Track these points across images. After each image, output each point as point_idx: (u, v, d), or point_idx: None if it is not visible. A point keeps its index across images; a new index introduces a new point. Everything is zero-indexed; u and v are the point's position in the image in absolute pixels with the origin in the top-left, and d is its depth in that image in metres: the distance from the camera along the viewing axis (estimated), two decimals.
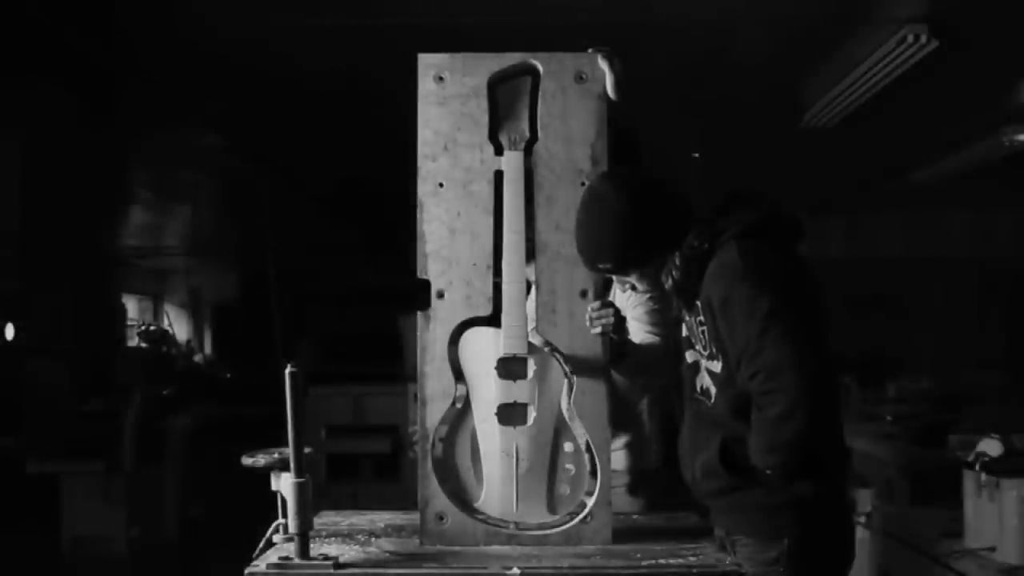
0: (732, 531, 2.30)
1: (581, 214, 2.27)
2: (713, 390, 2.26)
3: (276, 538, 2.20)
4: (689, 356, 2.39)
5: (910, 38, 4.34)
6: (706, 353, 2.26)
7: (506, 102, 2.31)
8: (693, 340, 2.34)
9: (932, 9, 4.24)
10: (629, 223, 2.22)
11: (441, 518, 2.24)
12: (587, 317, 2.27)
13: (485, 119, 2.29)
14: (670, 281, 2.26)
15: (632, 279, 2.41)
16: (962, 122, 6.17)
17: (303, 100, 5.55)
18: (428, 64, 2.31)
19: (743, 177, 2.38)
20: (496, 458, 2.27)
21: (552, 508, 2.28)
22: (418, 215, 2.29)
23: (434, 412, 2.27)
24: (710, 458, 2.24)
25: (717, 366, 2.23)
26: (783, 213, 2.28)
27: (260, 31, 4.37)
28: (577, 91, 2.29)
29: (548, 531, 2.25)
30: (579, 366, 2.27)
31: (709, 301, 2.19)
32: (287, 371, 1.99)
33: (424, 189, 2.29)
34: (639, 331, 2.65)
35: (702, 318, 2.24)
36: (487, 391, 2.27)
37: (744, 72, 5.18)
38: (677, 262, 2.25)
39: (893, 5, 4.25)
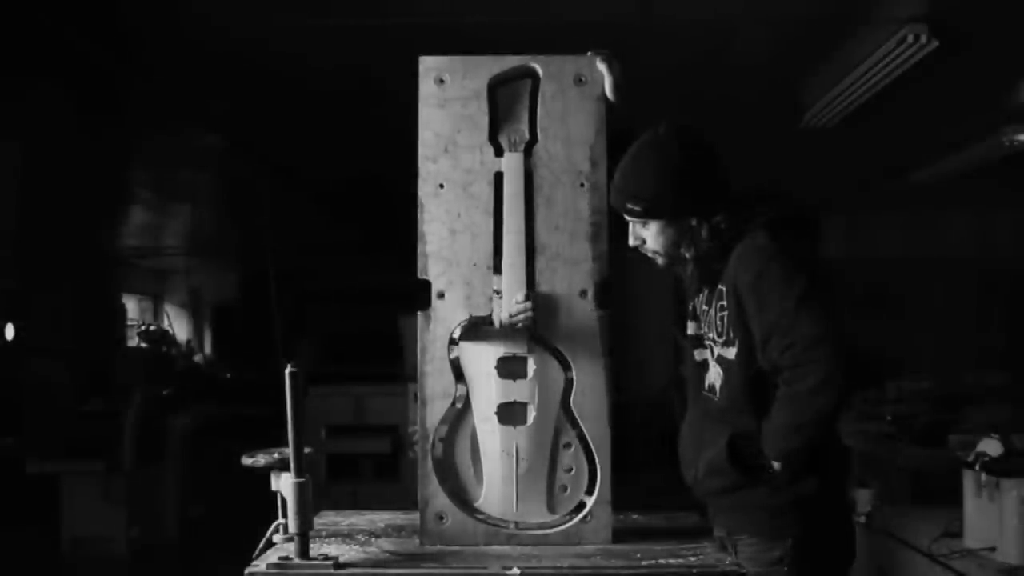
0: (734, 531, 2.30)
1: (632, 154, 2.29)
2: (719, 383, 2.26)
3: (276, 538, 2.20)
4: (696, 355, 2.39)
5: (910, 38, 4.34)
6: (721, 340, 2.27)
7: (506, 104, 2.32)
8: (703, 337, 2.35)
9: (932, 9, 4.24)
10: (679, 172, 2.25)
11: (441, 518, 2.24)
12: (507, 312, 2.26)
13: (485, 121, 2.30)
14: (692, 251, 2.29)
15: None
16: (962, 122, 6.16)
17: (305, 99, 5.55)
18: (429, 66, 2.31)
19: (743, 177, 2.38)
20: (496, 458, 2.27)
21: (552, 508, 2.28)
22: (419, 216, 2.29)
23: (434, 412, 2.27)
24: (716, 455, 2.24)
25: (731, 352, 2.23)
26: (808, 211, 2.32)
27: (263, 31, 4.37)
28: (576, 93, 2.30)
29: (548, 531, 2.26)
30: (579, 365, 2.27)
31: (735, 283, 2.21)
32: (287, 371, 1.99)
33: (424, 190, 2.29)
34: None
35: (724, 303, 2.25)
36: (487, 391, 2.27)
37: (744, 72, 5.18)
38: (692, 252, 2.28)
39: (893, 5, 4.25)
